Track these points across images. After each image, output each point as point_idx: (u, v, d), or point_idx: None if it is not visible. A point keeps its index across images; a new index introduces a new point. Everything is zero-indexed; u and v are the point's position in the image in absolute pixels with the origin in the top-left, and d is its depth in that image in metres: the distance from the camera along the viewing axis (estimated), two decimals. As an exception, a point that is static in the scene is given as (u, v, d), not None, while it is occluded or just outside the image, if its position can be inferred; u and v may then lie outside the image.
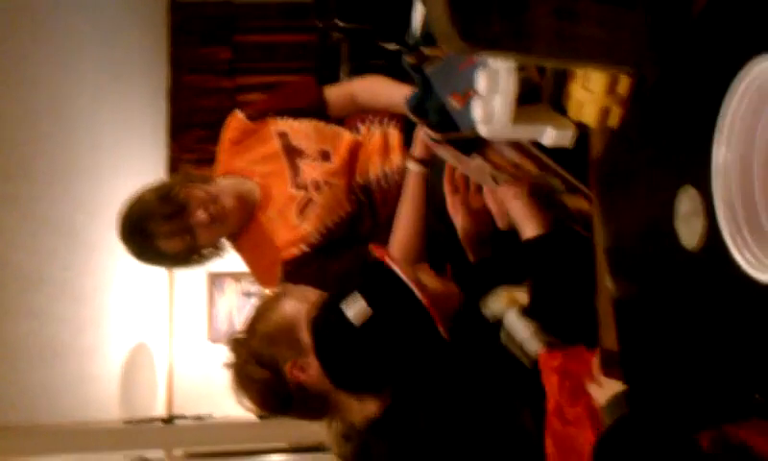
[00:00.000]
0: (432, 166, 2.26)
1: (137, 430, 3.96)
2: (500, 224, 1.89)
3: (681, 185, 1.10)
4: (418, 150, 2.28)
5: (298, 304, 1.86)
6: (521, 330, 1.65)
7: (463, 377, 1.77)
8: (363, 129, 2.55)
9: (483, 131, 1.35)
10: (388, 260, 1.79)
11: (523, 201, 1.75)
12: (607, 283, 1.43)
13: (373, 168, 2.47)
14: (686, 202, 1.09)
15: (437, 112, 1.51)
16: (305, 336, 1.80)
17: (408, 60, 1.50)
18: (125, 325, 4.50)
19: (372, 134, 2.52)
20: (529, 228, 1.75)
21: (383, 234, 2.38)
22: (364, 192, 2.47)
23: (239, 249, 2.52)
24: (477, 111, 1.33)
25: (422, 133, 2.25)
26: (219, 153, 2.57)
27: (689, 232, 1.09)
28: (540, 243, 1.73)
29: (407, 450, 1.78)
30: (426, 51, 1.44)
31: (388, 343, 1.74)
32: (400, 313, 1.73)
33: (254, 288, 5.12)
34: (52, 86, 3.75)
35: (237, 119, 2.54)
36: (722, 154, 0.86)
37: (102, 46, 4.29)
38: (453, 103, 1.40)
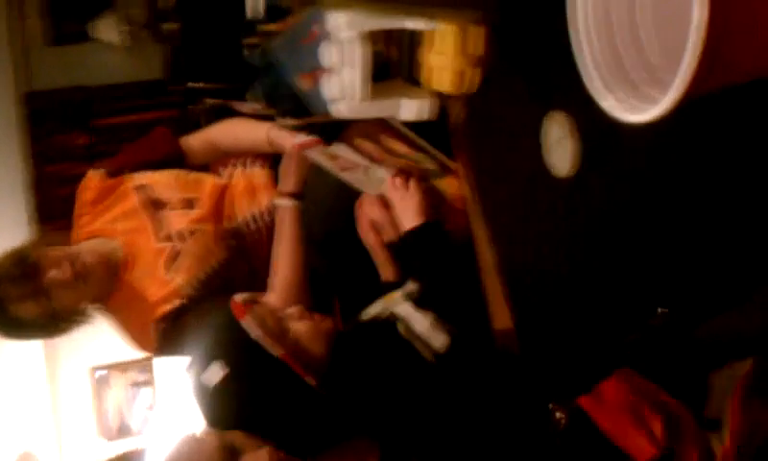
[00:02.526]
0: (307, 202, 2.20)
1: None
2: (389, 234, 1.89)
3: (545, 114, 1.06)
4: (285, 183, 2.22)
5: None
6: (419, 322, 1.63)
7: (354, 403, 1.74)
8: (225, 173, 2.47)
9: (336, 110, 1.29)
10: (241, 319, 1.79)
11: (417, 196, 1.76)
12: (488, 254, 1.38)
13: (240, 211, 2.40)
14: (554, 128, 1.05)
15: (288, 98, 1.45)
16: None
17: (249, 42, 1.43)
18: (8, 435, 4.22)
19: (236, 177, 2.45)
20: (413, 219, 1.76)
21: (260, 279, 2.29)
22: (234, 236, 2.38)
23: (109, 313, 2.37)
24: (328, 89, 1.27)
25: (284, 164, 2.18)
26: (77, 217, 2.42)
27: (560, 159, 1.05)
28: (425, 230, 1.74)
29: None
30: (267, 27, 1.37)
31: (251, 395, 1.76)
32: (258, 367, 1.75)
33: (143, 377, 4.91)
34: None
35: (92, 179, 2.41)
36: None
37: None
38: (303, 84, 1.33)
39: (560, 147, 1.02)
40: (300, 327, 1.80)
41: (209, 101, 3.69)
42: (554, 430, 1.44)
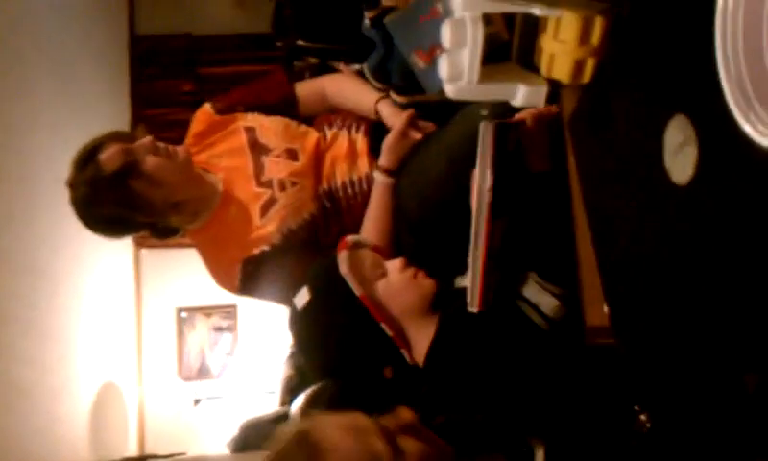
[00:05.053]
0: (409, 181, 2.20)
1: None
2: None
3: (670, 117, 1.03)
4: (385, 159, 2.23)
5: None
6: (533, 292, 1.63)
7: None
8: (330, 133, 2.48)
9: (450, 90, 1.29)
10: (339, 252, 1.85)
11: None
12: (588, 249, 1.37)
13: (340, 174, 2.41)
14: (676, 133, 1.03)
15: (400, 74, 1.45)
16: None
17: (368, 16, 1.44)
18: (93, 364, 4.38)
19: (340, 139, 2.46)
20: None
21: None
22: (329, 197, 2.40)
23: (198, 243, 2.43)
24: (443, 68, 1.27)
25: (388, 140, 2.19)
26: (185, 145, 2.44)
27: (680, 166, 1.03)
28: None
29: None
30: (388, 1, 1.38)
31: (325, 325, 1.83)
32: (337, 300, 1.81)
33: (226, 323, 5.02)
34: (6, 120, 3.65)
35: (205, 112, 2.47)
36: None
37: (59, 80, 4.21)
38: (417, 61, 1.34)
39: (681, 152, 1.00)
40: (396, 277, 1.83)
41: (313, 59, 3.70)
42: (635, 432, 1.43)
